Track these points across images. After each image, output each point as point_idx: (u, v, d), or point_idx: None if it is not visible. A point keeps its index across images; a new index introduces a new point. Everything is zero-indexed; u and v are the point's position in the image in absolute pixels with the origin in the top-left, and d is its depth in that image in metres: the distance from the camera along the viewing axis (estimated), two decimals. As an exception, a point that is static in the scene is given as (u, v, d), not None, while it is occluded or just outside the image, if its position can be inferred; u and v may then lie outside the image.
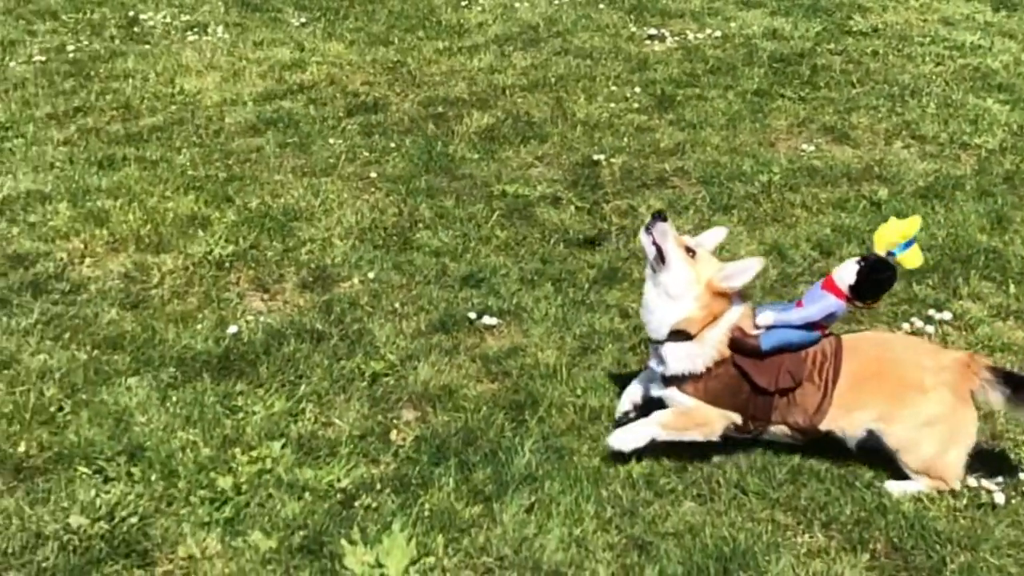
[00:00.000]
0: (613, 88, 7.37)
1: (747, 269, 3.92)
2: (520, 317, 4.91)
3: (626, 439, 3.98)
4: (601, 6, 8.97)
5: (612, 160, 6.36)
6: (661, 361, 4.00)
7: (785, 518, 3.82)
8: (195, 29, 8.54)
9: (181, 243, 5.47)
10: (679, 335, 3.95)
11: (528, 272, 5.25)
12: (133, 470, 3.97)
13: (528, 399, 4.37)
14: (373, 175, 6.24)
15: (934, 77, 7.64)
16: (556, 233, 5.60)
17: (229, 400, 4.35)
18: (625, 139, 6.64)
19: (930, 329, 4.82)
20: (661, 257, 3.97)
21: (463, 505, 3.84)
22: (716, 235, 4.13)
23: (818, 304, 3.94)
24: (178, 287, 5.13)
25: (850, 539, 3.73)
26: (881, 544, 3.72)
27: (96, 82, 7.48)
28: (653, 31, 8.38)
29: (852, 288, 3.90)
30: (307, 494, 3.88)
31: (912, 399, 3.87)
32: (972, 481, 3.93)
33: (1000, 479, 3.96)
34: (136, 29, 8.56)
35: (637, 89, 7.34)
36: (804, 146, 6.58)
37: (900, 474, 3.95)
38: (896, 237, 3.93)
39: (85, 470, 3.96)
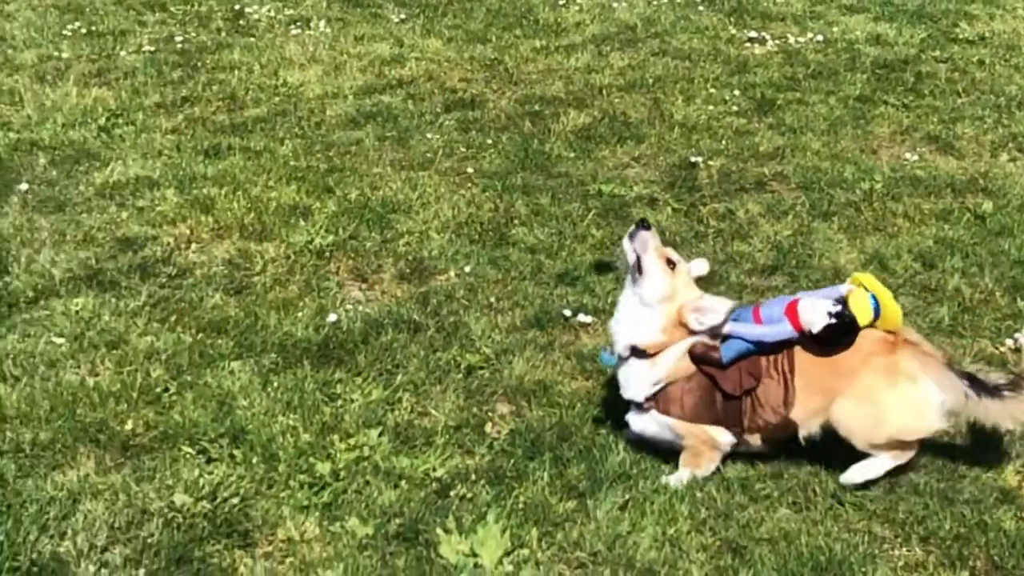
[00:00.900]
0: (712, 90, 7.34)
1: (719, 310, 3.87)
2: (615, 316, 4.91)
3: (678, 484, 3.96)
4: (700, 8, 8.93)
5: (710, 163, 6.33)
6: (628, 383, 3.99)
7: (882, 530, 3.78)
8: (298, 23, 8.69)
9: (283, 232, 5.58)
10: (637, 352, 3.94)
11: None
12: (235, 452, 4.06)
13: (622, 398, 4.37)
14: (470, 170, 6.30)
15: (1042, 88, 7.48)
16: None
17: (328, 387, 4.43)
18: (723, 142, 6.61)
19: (1035, 344, 4.74)
20: (639, 267, 3.95)
21: (557, 500, 3.87)
22: (698, 267, 4.10)
23: (776, 328, 3.89)
24: (280, 275, 5.23)
25: (949, 555, 3.68)
26: (981, 561, 3.66)
27: (203, 73, 7.65)
28: (753, 34, 8.31)
29: (813, 335, 3.82)
30: (403, 482, 3.94)
31: (855, 379, 3.82)
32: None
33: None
34: (241, 22, 8.74)
35: (736, 92, 7.29)
36: (907, 155, 6.48)
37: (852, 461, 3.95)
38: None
39: (189, 450, 4.07)
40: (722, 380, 3.90)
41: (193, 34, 8.44)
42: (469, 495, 3.88)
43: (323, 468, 3.98)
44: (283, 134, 6.75)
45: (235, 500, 3.84)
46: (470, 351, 4.67)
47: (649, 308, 3.94)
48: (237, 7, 9.03)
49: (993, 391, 3.81)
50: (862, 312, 3.85)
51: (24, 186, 5.93)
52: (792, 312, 3.87)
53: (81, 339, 4.67)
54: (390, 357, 4.63)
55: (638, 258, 3.97)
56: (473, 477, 3.97)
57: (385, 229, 5.64)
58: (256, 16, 8.84)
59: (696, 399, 3.92)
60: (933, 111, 7.07)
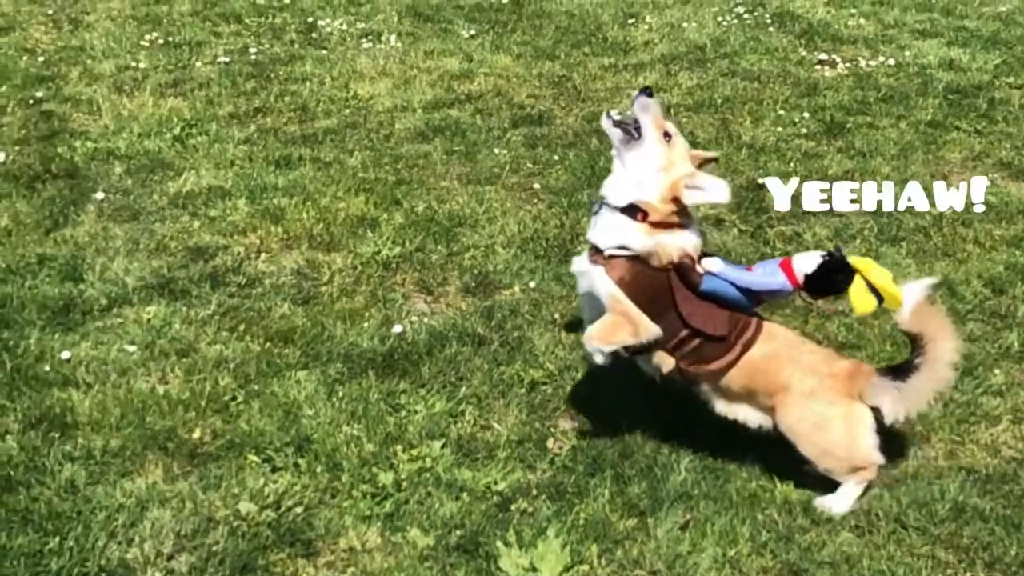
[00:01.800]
0: (781, 112, 7.30)
1: (717, 186, 3.82)
2: (679, 336, 4.91)
3: (593, 354, 3.95)
4: (771, 29, 8.90)
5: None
6: (601, 229, 3.91)
7: (946, 555, 3.74)
8: (369, 37, 8.80)
9: (351, 243, 5.65)
10: (634, 211, 3.87)
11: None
12: (300, 461, 4.12)
13: (684, 418, 4.36)
14: (536, 186, 6.33)
15: (1120, 115, 7.34)
16: (718, 254, 5.56)
17: (392, 398, 4.47)
18: (792, 164, 6.58)
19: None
20: (638, 129, 3.91)
21: (618, 517, 3.87)
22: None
23: (766, 277, 3.87)
24: (347, 285, 5.30)
25: (1015, 584, 3.63)
26: (1048, 592, 3.61)
27: (275, 84, 7.78)
28: (824, 56, 8.27)
29: (807, 277, 3.83)
30: (465, 494, 3.97)
31: (800, 400, 3.86)
32: None
33: None
34: (314, 35, 8.87)
35: (806, 114, 7.25)
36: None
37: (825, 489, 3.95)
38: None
39: (255, 459, 4.13)
40: (684, 300, 3.85)
41: (267, 46, 8.58)
42: (530, 509, 3.90)
43: (386, 478, 4.02)
44: (352, 146, 6.84)
45: (299, 509, 3.89)
46: (533, 366, 4.69)
47: (646, 173, 3.89)
48: (310, 20, 9.18)
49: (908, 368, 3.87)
50: (863, 302, 3.86)
51: (100, 195, 6.07)
52: (787, 266, 3.87)
53: (152, 347, 4.76)
54: (454, 370, 4.66)
55: (636, 121, 3.93)
56: (534, 492, 3.99)
57: (451, 242, 5.69)
58: (328, 29, 8.97)
59: (647, 288, 3.85)
60: (1006, 137, 6.97)
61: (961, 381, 4.59)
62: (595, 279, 3.94)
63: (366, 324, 4.98)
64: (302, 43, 8.70)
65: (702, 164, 4.12)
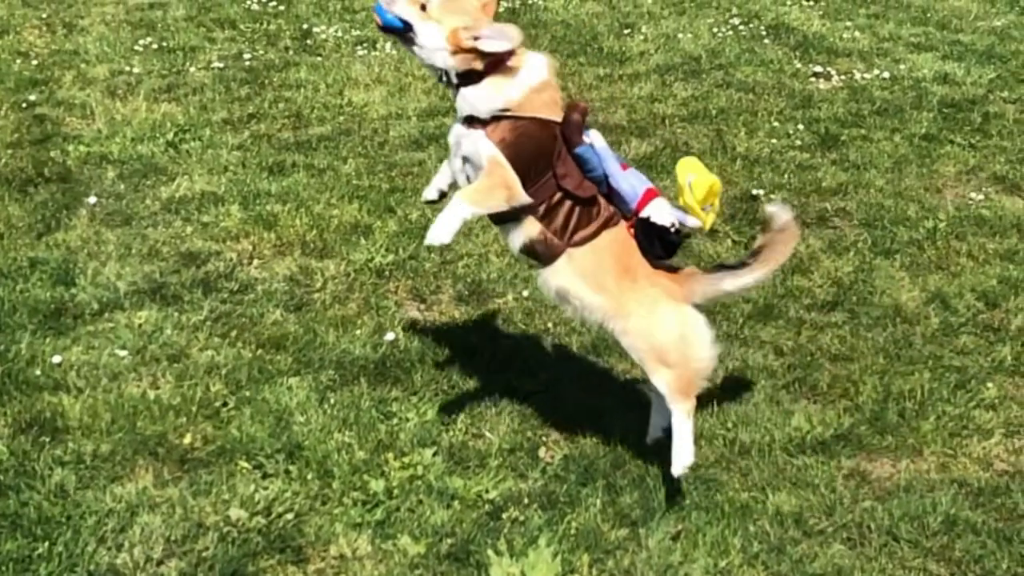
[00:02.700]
0: (775, 124, 7.31)
1: (503, 35, 3.71)
2: (672, 346, 4.91)
3: (440, 230, 3.70)
4: (766, 41, 8.91)
5: (771, 196, 6.30)
6: (464, 106, 3.81)
7: (938, 568, 3.74)
8: (364, 44, 8.79)
9: (344, 250, 5.64)
10: (467, 78, 3.77)
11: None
12: (291, 468, 4.10)
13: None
14: (530, 196, 6.32)
15: (1113, 130, 7.37)
16: (711, 265, 5.57)
17: (384, 405, 4.46)
18: (786, 176, 6.58)
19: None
20: (409, 28, 3.78)
21: (609, 527, 3.86)
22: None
23: (625, 180, 3.86)
24: (339, 292, 5.29)
25: (1006, 598, 3.63)
26: (1039, 606, 3.61)
27: (270, 90, 7.77)
28: (819, 69, 8.28)
29: (645, 220, 3.82)
30: (456, 502, 3.96)
31: (630, 293, 3.86)
32: None
33: None
34: (309, 41, 8.86)
35: (800, 126, 7.27)
36: (972, 194, 6.41)
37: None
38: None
39: (246, 465, 4.11)
40: (561, 162, 3.80)
41: (261, 52, 8.57)
42: (521, 518, 3.89)
43: (377, 486, 4.01)
44: (346, 153, 6.83)
45: (289, 516, 3.88)
46: (526, 375, 4.68)
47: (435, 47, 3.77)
48: (305, 27, 9.17)
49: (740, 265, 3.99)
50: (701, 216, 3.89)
51: (92, 199, 6.05)
52: (648, 195, 3.86)
53: (143, 352, 4.75)
54: (446, 378, 4.65)
55: (403, 22, 3.77)
56: (526, 501, 3.97)
57: (444, 251, 5.67)
58: (323, 36, 8.97)
59: (530, 148, 3.76)
60: (1000, 151, 6.99)
61: (954, 394, 4.61)
62: (475, 142, 3.81)
63: (359, 331, 4.96)
64: (297, 50, 8.69)
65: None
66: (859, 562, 3.75)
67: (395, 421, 4.37)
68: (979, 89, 8.00)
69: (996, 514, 3.96)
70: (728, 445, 4.28)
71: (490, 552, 3.71)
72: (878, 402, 4.56)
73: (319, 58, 8.49)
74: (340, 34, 9.03)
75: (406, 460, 4.14)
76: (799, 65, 8.40)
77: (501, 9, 9.39)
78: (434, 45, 3.77)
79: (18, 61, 8.08)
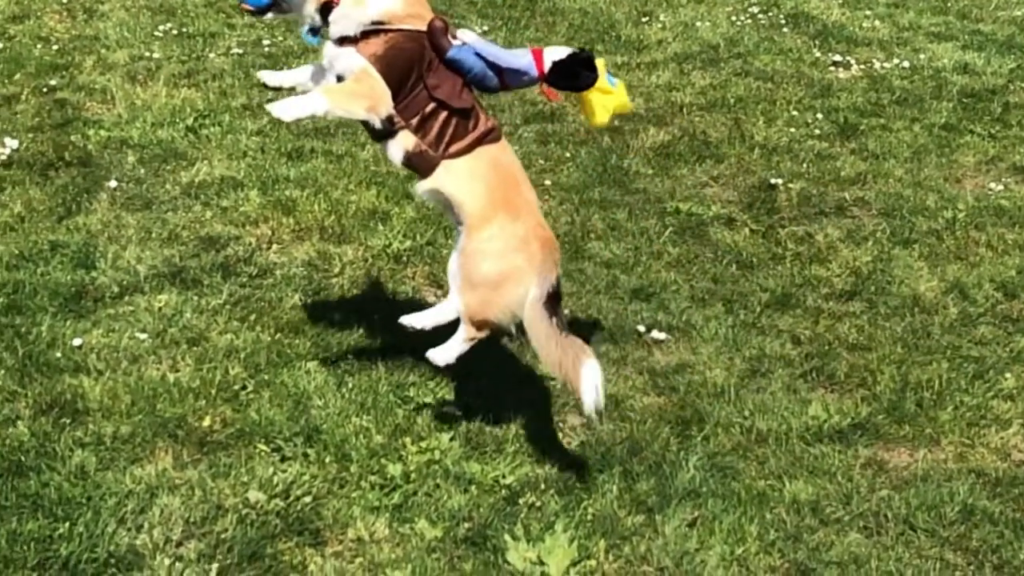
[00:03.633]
0: (794, 113, 7.29)
1: None
2: (689, 334, 4.92)
3: (289, 108, 3.83)
4: (785, 30, 8.88)
5: (790, 185, 6.30)
6: (335, 29, 3.89)
7: (955, 558, 3.74)
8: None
9: (362, 235, 5.65)
10: (326, 9, 3.86)
11: (699, 291, 5.25)
12: (309, 451, 4.13)
13: (694, 416, 4.38)
14: (547, 183, 6.33)
15: None
16: (729, 254, 5.58)
17: (401, 390, 4.48)
18: (804, 165, 6.57)
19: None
20: None
21: (625, 513, 3.88)
22: None
23: (514, 55, 3.93)
24: (357, 278, 5.31)
25: (1023, 587, 3.63)
26: (1056, 596, 3.61)
27: (288, 77, 7.76)
28: (838, 58, 8.25)
29: (554, 65, 3.87)
30: (473, 487, 3.98)
31: (501, 218, 3.90)
32: None
33: None
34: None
35: (819, 115, 7.24)
36: (992, 184, 6.39)
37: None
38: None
39: (264, 448, 4.14)
40: (434, 72, 3.87)
41: (280, 38, 8.57)
42: (538, 504, 3.91)
43: (394, 470, 4.03)
44: (364, 139, 6.82)
45: (307, 499, 3.90)
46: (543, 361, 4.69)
47: None
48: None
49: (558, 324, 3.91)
50: (600, 109, 3.97)
51: (113, 183, 6.07)
52: (538, 54, 3.92)
53: (163, 335, 4.77)
54: (463, 363, 4.66)
55: None
56: (542, 486, 3.99)
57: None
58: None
59: (401, 61, 3.83)
60: (1020, 141, 6.95)
61: (972, 384, 4.60)
62: (346, 58, 3.89)
63: (376, 316, 4.98)
64: (316, 36, 8.69)
65: None
66: (876, 551, 3.75)
67: (412, 406, 4.39)
68: (999, 79, 7.95)
69: (1014, 504, 3.97)
70: (745, 433, 4.29)
71: (507, 537, 3.73)
72: (896, 391, 4.56)
73: (337, 44, 8.48)
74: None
75: (423, 444, 4.16)
76: (818, 54, 8.37)
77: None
78: None
79: (39, 46, 8.10)
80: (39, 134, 6.67)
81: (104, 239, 5.51)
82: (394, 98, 3.86)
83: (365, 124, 3.99)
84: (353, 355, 4.68)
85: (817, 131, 7.04)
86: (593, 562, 3.66)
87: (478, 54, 3.90)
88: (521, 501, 3.92)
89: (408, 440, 4.18)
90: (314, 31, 3.97)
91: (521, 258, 3.93)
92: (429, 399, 4.42)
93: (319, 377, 4.52)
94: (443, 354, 4.08)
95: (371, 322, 4.92)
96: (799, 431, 4.31)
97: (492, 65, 3.92)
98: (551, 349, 3.88)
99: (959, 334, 4.97)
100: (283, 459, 4.10)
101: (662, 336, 4.88)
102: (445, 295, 5.19)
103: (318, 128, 6.94)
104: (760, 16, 9.16)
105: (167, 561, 3.61)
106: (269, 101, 3.93)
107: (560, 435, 4.28)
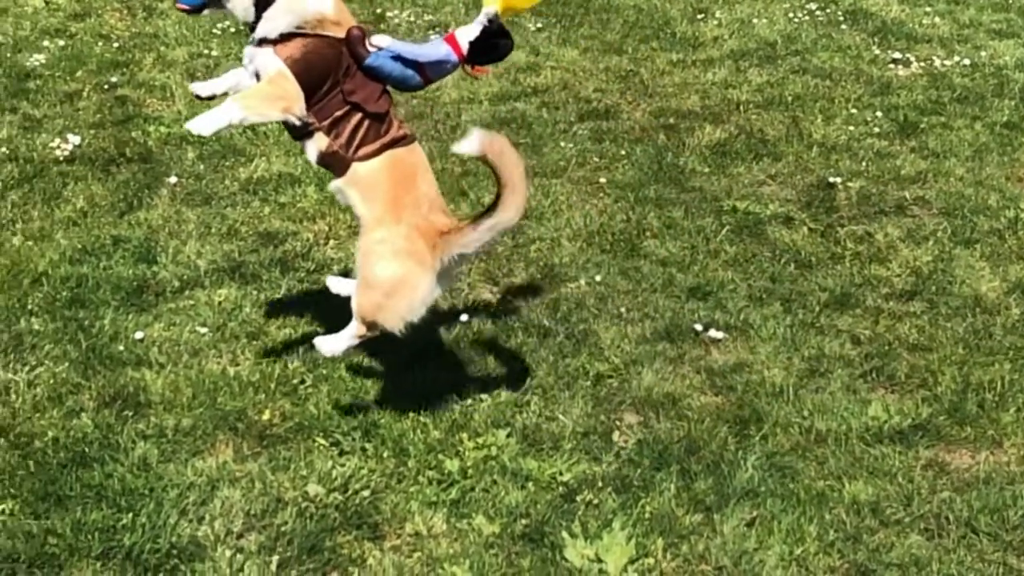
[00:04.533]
0: (853, 111, 7.22)
1: None
2: (747, 333, 4.89)
3: (206, 122, 3.87)
4: (843, 26, 8.79)
5: (849, 184, 6.24)
6: (260, 30, 3.94)
7: (1018, 563, 3.68)
8: (436, 29, 8.82)
9: (418, 232, 5.67)
10: (261, 4, 3.90)
11: (757, 289, 5.22)
12: (367, 445, 4.15)
13: (752, 415, 4.35)
14: (602, 180, 6.32)
15: None
16: (787, 253, 5.53)
17: (457, 386, 4.49)
18: (863, 163, 6.50)
19: None
20: None
21: (683, 512, 3.86)
22: None
23: (430, 48, 3.94)
24: (414, 274, 5.32)
25: (1089, 593, 3.57)
26: (1123, 603, 3.54)
27: (344, 74, 7.82)
28: (897, 55, 8.15)
29: (471, 45, 3.89)
30: (530, 484, 3.98)
31: (388, 220, 3.99)
32: None
33: None
34: (382, 25, 8.90)
35: (878, 113, 7.16)
36: (1055, 183, 6.30)
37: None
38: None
39: (323, 442, 4.17)
40: (352, 78, 3.93)
41: (336, 37, 8.63)
42: (595, 501, 3.90)
43: (452, 465, 4.04)
44: (419, 136, 6.82)
45: (366, 493, 3.93)
46: (599, 359, 4.69)
47: None
48: (378, 11, 9.22)
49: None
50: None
51: (173, 179, 6.15)
52: (451, 39, 3.94)
53: (223, 329, 4.82)
54: (519, 360, 4.67)
55: None
56: (600, 484, 3.99)
57: (517, 234, 5.69)
58: (396, 20, 9.01)
59: (317, 65, 3.90)
60: (1084, 139, 6.84)
61: (1035, 386, 4.53)
62: (262, 59, 3.96)
63: (430, 312, 4.99)
64: (370, 33, 8.73)
65: None
66: (937, 553, 3.70)
67: (469, 402, 4.40)
68: (1063, 77, 7.82)
69: (1078, 509, 3.90)
70: (804, 433, 4.25)
71: (564, 534, 3.73)
72: (957, 393, 4.50)
73: (393, 42, 8.53)
74: (412, 18, 9.06)
75: (480, 440, 4.17)
76: (877, 51, 8.27)
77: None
78: None
79: (100, 44, 8.22)
80: (100, 130, 6.77)
81: (165, 234, 5.58)
82: (309, 101, 3.95)
83: (284, 123, 4.06)
84: (409, 349, 4.69)
85: (876, 129, 6.96)
86: (651, 560, 3.65)
87: (397, 56, 3.96)
88: (578, 498, 3.91)
89: (465, 436, 4.20)
90: (253, 28, 4.00)
91: (412, 262, 4.02)
92: (485, 396, 4.43)
93: (376, 372, 4.55)
94: (331, 345, 4.16)
95: (426, 318, 4.92)
96: (859, 432, 4.27)
97: (412, 63, 3.96)
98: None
99: (1022, 335, 4.89)
100: (341, 453, 4.13)
101: (719, 335, 4.85)
102: (500, 291, 5.23)
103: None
104: (818, 13, 9.08)
105: (228, 553, 3.65)
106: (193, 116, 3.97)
107: (616, 433, 4.27)
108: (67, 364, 4.55)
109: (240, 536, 3.74)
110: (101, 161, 6.36)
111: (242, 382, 4.45)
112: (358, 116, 3.99)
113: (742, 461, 4.08)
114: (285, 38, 3.91)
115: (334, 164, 4.07)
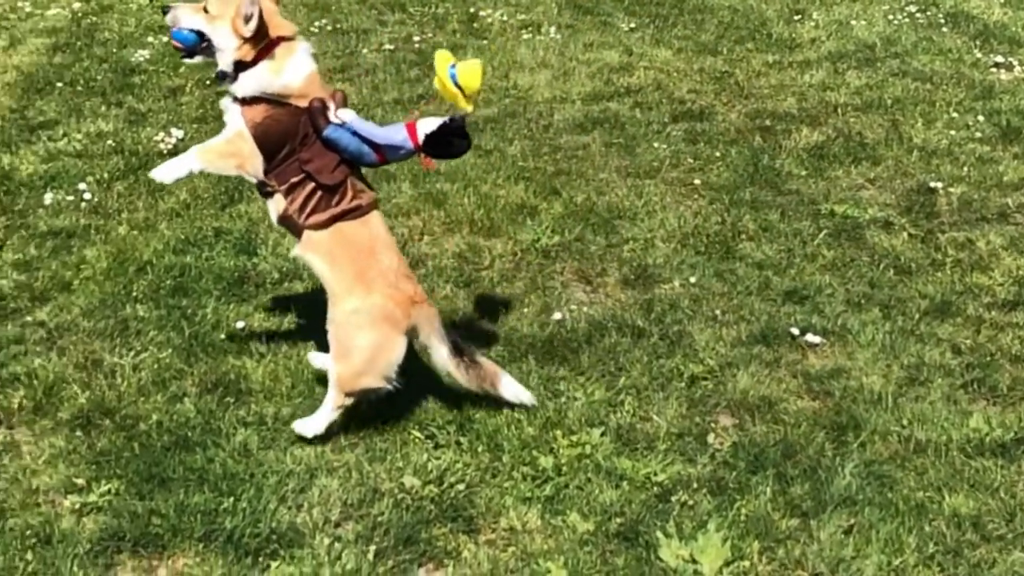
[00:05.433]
0: (954, 115, 7.08)
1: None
2: (844, 339, 4.82)
3: (167, 171, 4.11)
4: (944, 29, 8.64)
5: (950, 189, 6.12)
6: (238, 88, 4.08)
7: None
8: (529, 28, 8.85)
9: (511, 229, 5.70)
10: (240, 66, 4.05)
11: (855, 295, 5.14)
12: (461, 439, 4.18)
13: (850, 422, 4.29)
14: (697, 182, 6.28)
15: None
16: (886, 258, 5.45)
17: (552, 384, 4.50)
18: (965, 169, 6.37)
19: None
20: (194, 32, 4.08)
21: (779, 516, 3.82)
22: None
23: (389, 131, 4.01)
24: (506, 271, 5.35)
25: None
26: None
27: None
28: (1000, 59, 7.98)
29: (427, 137, 3.96)
30: (624, 483, 3.98)
31: (359, 291, 4.08)
32: None
33: None
34: (476, 25, 8.97)
35: (980, 118, 7.02)
36: None
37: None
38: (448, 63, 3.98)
39: (418, 435, 4.21)
40: (310, 149, 4.05)
41: (430, 35, 8.71)
42: (690, 502, 3.89)
43: (546, 462, 4.05)
44: (512, 135, 6.90)
45: (461, 486, 3.96)
46: (693, 361, 4.66)
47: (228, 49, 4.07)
48: (472, 10, 9.28)
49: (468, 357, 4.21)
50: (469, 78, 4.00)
51: (272, 172, 6.25)
52: (411, 127, 4.03)
53: (320, 320, 4.88)
54: (613, 359, 4.67)
55: (196, 33, 4.10)
56: (695, 485, 3.97)
57: (610, 234, 5.69)
58: (489, 19, 9.06)
59: (276, 133, 4.04)
60: None
61: None
62: (231, 116, 4.14)
63: (526, 310, 5.02)
64: (463, 33, 8.80)
65: None
66: (1041, 569, 3.63)
67: (563, 400, 4.41)
68: None
69: None
70: (903, 442, 4.19)
71: (659, 534, 3.71)
72: (1063, 406, 4.40)
73: (485, 41, 8.59)
74: (505, 18, 9.11)
75: (574, 438, 4.18)
76: (979, 54, 8.11)
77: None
78: (227, 43, 4.07)
79: (200, 39, 8.39)
80: (203, 125, 6.91)
81: (264, 227, 5.67)
82: (269, 163, 4.09)
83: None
84: (503, 347, 4.72)
85: (978, 134, 6.83)
86: (747, 563, 3.62)
87: (355, 133, 4.05)
88: (673, 499, 3.90)
89: (559, 433, 4.20)
90: (222, 77, 4.15)
91: (387, 326, 4.11)
92: (579, 394, 4.44)
93: (471, 367, 4.58)
94: (311, 425, 4.16)
95: (520, 316, 4.96)
96: (959, 443, 4.19)
97: (369, 142, 4.07)
98: (473, 386, 4.23)
99: (1121, 349, 4.76)
100: (436, 446, 4.16)
101: (816, 340, 4.80)
102: (594, 291, 5.23)
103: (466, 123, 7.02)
104: (918, 15, 8.93)
105: (326, 541, 3.71)
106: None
107: (712, 435, 4.24)
108: (170, 350, 4.66)
109: (338, 525, 3.80)
110: (203, 154, 6.48)
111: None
112: (311, 185, 4.11)
113: (840, 468, 4.03)
114: (253, 100, 4.08)
115: (290, 226, 4.21)
